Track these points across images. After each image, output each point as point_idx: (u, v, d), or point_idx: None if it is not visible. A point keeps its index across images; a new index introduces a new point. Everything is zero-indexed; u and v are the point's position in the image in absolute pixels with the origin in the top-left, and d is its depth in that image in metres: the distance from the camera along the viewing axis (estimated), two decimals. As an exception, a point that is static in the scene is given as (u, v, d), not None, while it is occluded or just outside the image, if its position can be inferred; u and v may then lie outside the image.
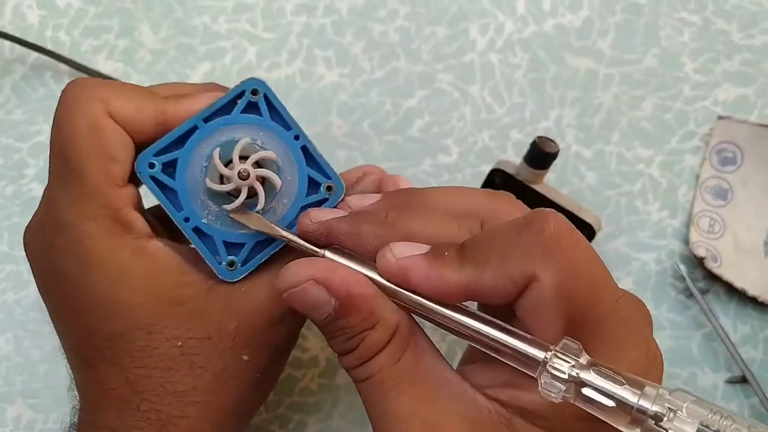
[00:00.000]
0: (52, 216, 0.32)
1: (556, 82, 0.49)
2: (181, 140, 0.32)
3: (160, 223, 0.34)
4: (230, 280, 0.32)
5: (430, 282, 0.27)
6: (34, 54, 0.49)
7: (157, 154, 0.32)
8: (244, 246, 0.32)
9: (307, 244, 0.30)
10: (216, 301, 0.32)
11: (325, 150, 0.48)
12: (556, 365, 0.25)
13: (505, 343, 0.26)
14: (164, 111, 0.32)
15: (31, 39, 0.49)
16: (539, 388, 0.25)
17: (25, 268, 0.34)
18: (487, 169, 0.44)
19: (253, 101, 0.32)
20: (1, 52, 0.50)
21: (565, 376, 0.25)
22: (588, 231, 0.43)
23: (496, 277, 0.26)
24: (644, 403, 0.24)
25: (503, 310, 0.27)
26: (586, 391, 0.25)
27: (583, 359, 0.25)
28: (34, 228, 0.34)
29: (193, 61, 0.49)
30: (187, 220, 0.32)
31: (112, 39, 0.50)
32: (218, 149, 0.31)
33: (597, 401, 0.25)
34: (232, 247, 0.32)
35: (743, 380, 0.44)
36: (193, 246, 0.32)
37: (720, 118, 0.48)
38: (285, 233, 0.31)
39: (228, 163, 0.31)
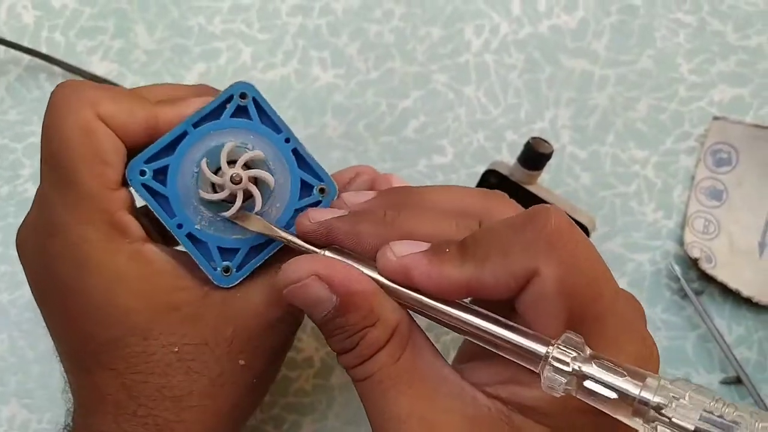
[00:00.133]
0: (46, 220, 0.32)
1: (552, 83, 0.49)
2: (171, 146, 0.32)
3: (152, 224, 0.34)
4: (226, 286, 0.32)
5: (431, 279, 0.27)
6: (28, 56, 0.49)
7: (148, 161, 0.32)
8: (239, 251, 0.32)
9: (306, 245, 0.30)
10: (212, 307, 0.32)
11: (320, 151, 0.48)
12: (559, 358, 0.25)
13: (507, 338, 0.26)
14: (155, 115, 0.32)
15: (26, 40, 0.49)
16: (541, 383, 0.25)
17: (19, 268, 0.34)
18: (482, 169, 0.44)
19: (243, 105, 0.32)
20: (-5, 53, 0.50)
21: (569, 369, 0.25)
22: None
23: (497, 273, 0.26)
24: (646, 394, 0.24)
25: (501, 307, 0.27)
26: (588, 383, 0.25)
27: (586, 352, 0.25)
28: (27, 231, 0.33)
29: (188, 62, 0.49)
30: (180, 226, 0.32)
31: (107, 40, 0.50)
32: (205, 159, 0.31)
33: (599, 394, 0.25)
34: (226, 252, 0.32)
35: (738, 381, 0.44)
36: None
37: (715, 118, 0.48)
38: (285, 234, 0.31)
39: (217, 170, 0.31)
